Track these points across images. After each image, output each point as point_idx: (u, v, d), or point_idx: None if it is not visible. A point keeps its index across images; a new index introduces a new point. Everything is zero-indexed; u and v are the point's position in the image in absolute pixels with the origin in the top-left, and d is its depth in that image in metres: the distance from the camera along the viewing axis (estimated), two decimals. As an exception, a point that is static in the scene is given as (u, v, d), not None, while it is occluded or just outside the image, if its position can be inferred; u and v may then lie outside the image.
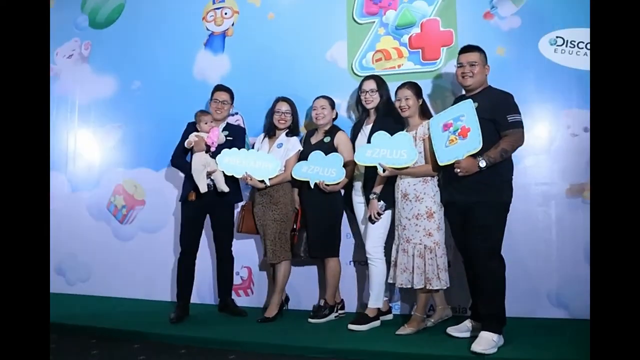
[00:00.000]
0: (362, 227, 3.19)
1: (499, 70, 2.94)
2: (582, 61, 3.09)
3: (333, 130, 3.28)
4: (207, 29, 3.84)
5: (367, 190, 3.08)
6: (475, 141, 2.55)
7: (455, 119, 2.66)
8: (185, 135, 3.38)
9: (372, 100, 3.11)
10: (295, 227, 3.27)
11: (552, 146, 3.12)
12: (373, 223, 3.02)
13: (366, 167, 3.03)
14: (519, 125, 2.59)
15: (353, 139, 3.23)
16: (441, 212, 2.83)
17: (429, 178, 2.84)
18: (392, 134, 2.91)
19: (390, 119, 3.08)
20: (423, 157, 2.85)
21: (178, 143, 3.42)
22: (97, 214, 4.02)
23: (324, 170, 3.11)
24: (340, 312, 3.28)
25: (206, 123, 3.26)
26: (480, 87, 2.75)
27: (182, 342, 2.92)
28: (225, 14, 3.80)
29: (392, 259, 2.95)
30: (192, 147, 3.25)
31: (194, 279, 3.39)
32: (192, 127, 3.39)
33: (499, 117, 2.60)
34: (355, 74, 3.48)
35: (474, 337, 2.71)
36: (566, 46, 3.11)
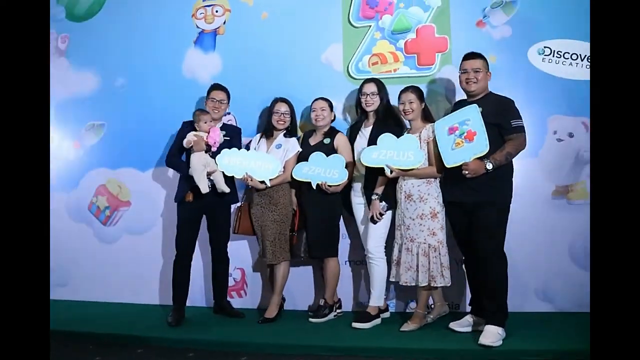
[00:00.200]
0: (361, 228, 3.25)
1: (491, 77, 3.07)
2: (567, 70, 3.29)
3: (332, 131, 3.32)
4: (197, 27, 3.76)
5: (367, 192, 3.15)
6: (482, 144, 2.67)
7: (461, 123, 2.78)
8: (181, 135, 3.30)
9: (373, 103, 3.18)
10: (294, 227, 3.29)
11: (539, 150, 3.30)
12: (375, 223, 3.08)
13: (367, 169, 3.09)
14: (522, 129, 2.75)
15: (351, 140, 3.28)
16: (443, 212, 2.94)
17: (432, 179, 2.94)
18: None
19: (390, 122, 3.16)
20: (426, 159, 2.94)
21: (173, 142, 3.34)
22: (76, 216, 3.84)
23: (325, 172, 3.14)
24: (338, 311, 3.33)
25: (205, 122, 3.20)
26: (483, 92, 2.88)
27: (187, 345, 2.88)
28: (216, 11, 3.73)
29: (394, 258, 3.03)
30: (191, 146, 3.18)
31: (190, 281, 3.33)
32: (188, 126, 3.32)
33: (503, 121, 2.74)
34: (351, 76, 3.53)
35: (475, 331, 2.86)
36: (553, 56, 3.31)
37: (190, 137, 3.18)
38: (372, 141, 3.13)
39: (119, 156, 3.80)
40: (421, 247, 2.89)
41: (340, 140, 3.27)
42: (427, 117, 3.09)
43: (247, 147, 3.40)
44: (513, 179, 2.87)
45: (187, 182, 3.25)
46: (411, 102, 2.99)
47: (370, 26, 3.52)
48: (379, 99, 3.18)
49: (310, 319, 3.22)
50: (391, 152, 2.92)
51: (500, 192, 2.77)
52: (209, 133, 3.20)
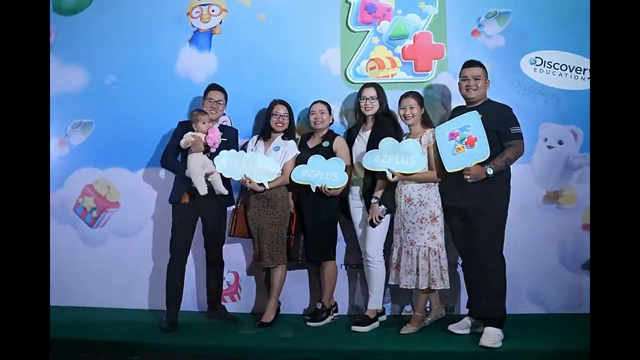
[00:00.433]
0: (359, 231, 3.26)
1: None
2: (557, 80, 3.42)
3: (331, 135, 3.33)
4: (193, 25, 3.70)
5: (367, 195, 3.17)
6: (483, 150, 2.75)
7: (462, 129, 2.85)
8: (177, 135, 3.24)
9: (372, 107, 3.21)
10: (291, 230, 3.27)
11: (530, 157, 3.40)
12: (374, 227, 3.10)
13: (366, 172, 3.11)
14: (520, 136, 2.84)
15: (349, 144, 3.30)
16: (442, 216, 2.99)
17: (432, 184, 2.99)
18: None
19: (389, 126, 3.19)
20: (426, 163, 2.99)
21: (169, 142, 3.27)
22: (61, 217, 3.69)
23: (325, 175, 3.14)
24: (334, 314, 3.32)
25: (204, 123, 3.15)
26: (482, 100, 2.95)
27: (185, 351, 2.82)
28: (213, 11, 3.68)
29: (393, 261, 3.06)
30: (189, 147, 3.12)
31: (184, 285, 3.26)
32: (184, 127, 3.26)
33: (502, 128, 2.82)
34: (349, 81, 3.55)
35: (473, 333, 2.92)
36: (544, 66, 3.43)
37: (188, 137, 3.12)
38: (370, 145, 3.15)
39: (108, 156, 3.67)
40: (421, 250, 2.93)
41: (339, 144, 3.28)
42: (427, 122, 3.14)
43: (244, 149, 3.36)
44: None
45: (183, 183, 3.19)
46: (412, 108, 3.04)
47: (368, 31, 3.55)
48: (378, 103, 3.21)
49: (308, 323, 3.21)
50: (393, 157, 2.95)
51: (499, 197, 2.84)
52: (207, 134, 3.14)
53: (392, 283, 3.08)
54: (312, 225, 3.22)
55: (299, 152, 3.28)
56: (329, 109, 3.33)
